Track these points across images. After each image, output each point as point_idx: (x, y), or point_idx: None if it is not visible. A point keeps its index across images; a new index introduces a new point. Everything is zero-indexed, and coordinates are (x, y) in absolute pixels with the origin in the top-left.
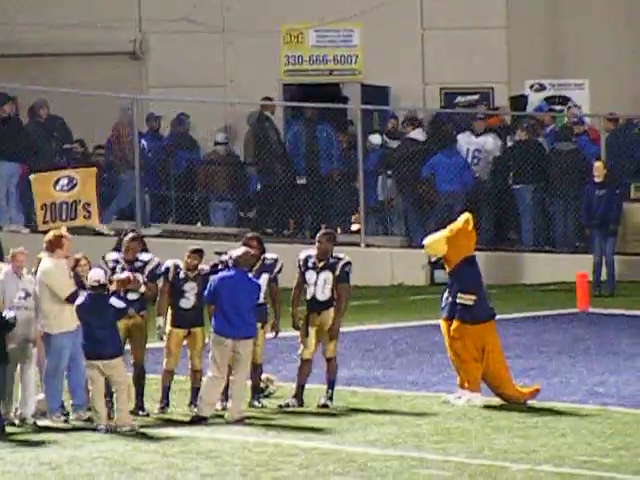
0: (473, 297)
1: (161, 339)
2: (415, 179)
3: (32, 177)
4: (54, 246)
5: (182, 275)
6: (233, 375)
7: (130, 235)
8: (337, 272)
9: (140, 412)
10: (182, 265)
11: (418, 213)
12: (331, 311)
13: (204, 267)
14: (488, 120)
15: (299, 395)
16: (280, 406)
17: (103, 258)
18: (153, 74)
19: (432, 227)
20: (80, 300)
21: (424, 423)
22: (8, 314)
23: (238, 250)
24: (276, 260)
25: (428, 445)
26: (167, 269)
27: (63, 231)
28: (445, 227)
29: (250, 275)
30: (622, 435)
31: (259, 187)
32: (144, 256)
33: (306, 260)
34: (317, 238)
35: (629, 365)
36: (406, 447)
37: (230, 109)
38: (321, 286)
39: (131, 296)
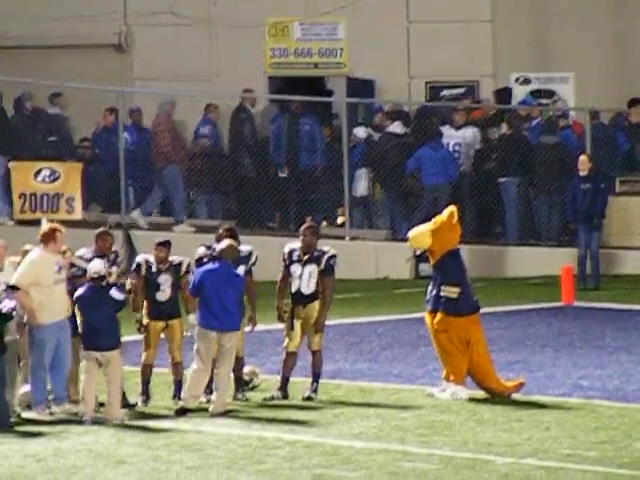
0: (457, 290)
1: (139, 331)
2: (397, 172)
3: (11, 165)
4: (48, 239)
5: (154, 269)
6: (217, 368)
7: (101, 229)
8: (322, 265)
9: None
10: (152, 259)
11: (403, 206)
12: (316, 304)
13: (174, 257)
14: (473, 113)
15: (284, 388)
16: (265, 399)
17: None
18: (138, 67)
19: (417, 220)
20: (80, 291)
21: (408, 416)
22: (8, 305)
23: (222, 243)
24: (251, 252)
25: (412, 438)
26: (138, 265)
27: (58, 225)
28: (430, 220)
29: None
30: (606, 429)
31: (234, 179)
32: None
33: (290, 253)
34: (301, 231)
35: (613, 359)
36: (390, 440)
37: (215, 102)
38: (306, 279)
39: None
